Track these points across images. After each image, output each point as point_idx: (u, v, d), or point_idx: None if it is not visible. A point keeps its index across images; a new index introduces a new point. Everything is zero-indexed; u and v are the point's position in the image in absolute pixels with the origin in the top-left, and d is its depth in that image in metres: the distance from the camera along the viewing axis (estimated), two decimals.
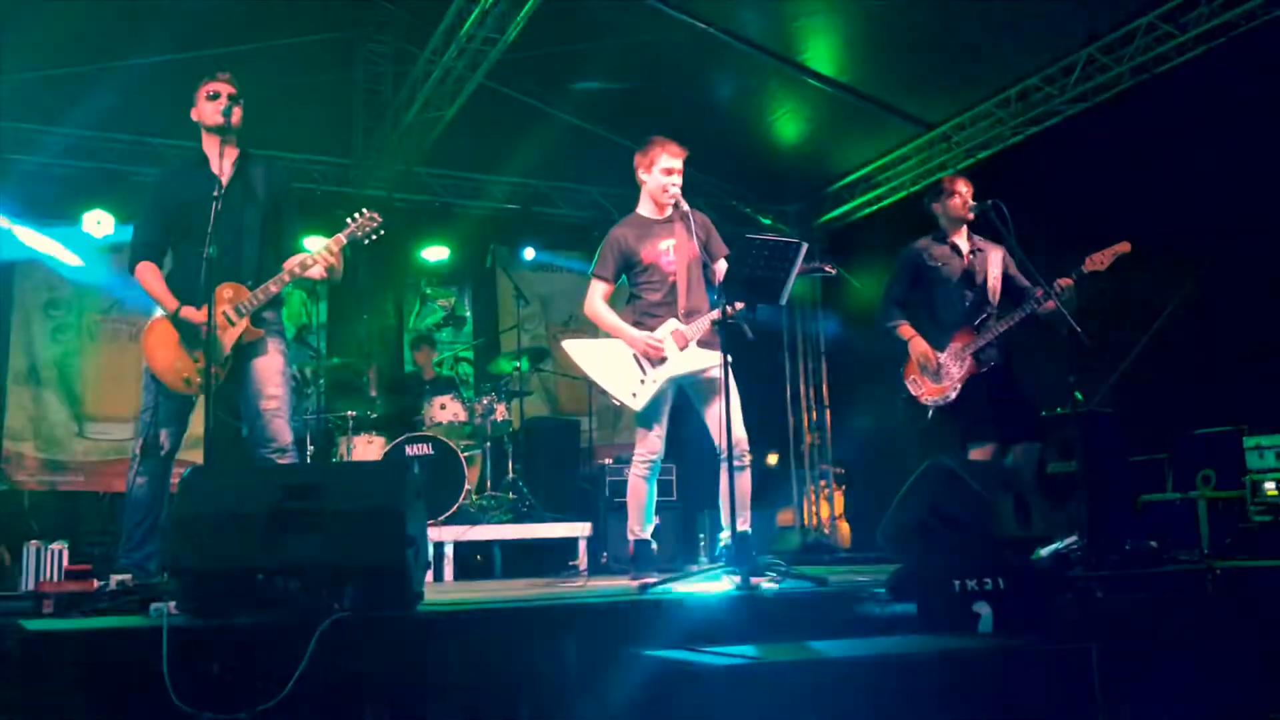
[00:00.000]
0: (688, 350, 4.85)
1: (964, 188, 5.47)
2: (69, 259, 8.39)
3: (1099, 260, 5.08)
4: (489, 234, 9.65)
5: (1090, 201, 6.99)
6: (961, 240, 5.49)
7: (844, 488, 11.08)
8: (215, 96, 4.42)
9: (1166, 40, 6.96)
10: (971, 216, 5.42)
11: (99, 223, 8.41)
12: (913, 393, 5.38)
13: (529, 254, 9.88)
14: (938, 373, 5.31)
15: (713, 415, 4.86)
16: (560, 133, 9.00)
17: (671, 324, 4.87)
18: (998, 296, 5.41)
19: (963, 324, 5.33)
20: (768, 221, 10.43)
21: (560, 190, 10.01)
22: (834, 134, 9.14)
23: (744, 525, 4.61)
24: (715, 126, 8.66)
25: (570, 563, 7.28)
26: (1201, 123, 6.65)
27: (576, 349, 4.95)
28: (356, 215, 4.52)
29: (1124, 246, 5.08)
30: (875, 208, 9.82)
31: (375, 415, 7.84)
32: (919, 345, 5.36)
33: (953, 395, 5.27)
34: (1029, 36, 7.38)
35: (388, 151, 8.75)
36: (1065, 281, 5.07)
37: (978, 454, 5.30)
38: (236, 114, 4.40)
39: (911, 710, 2.80)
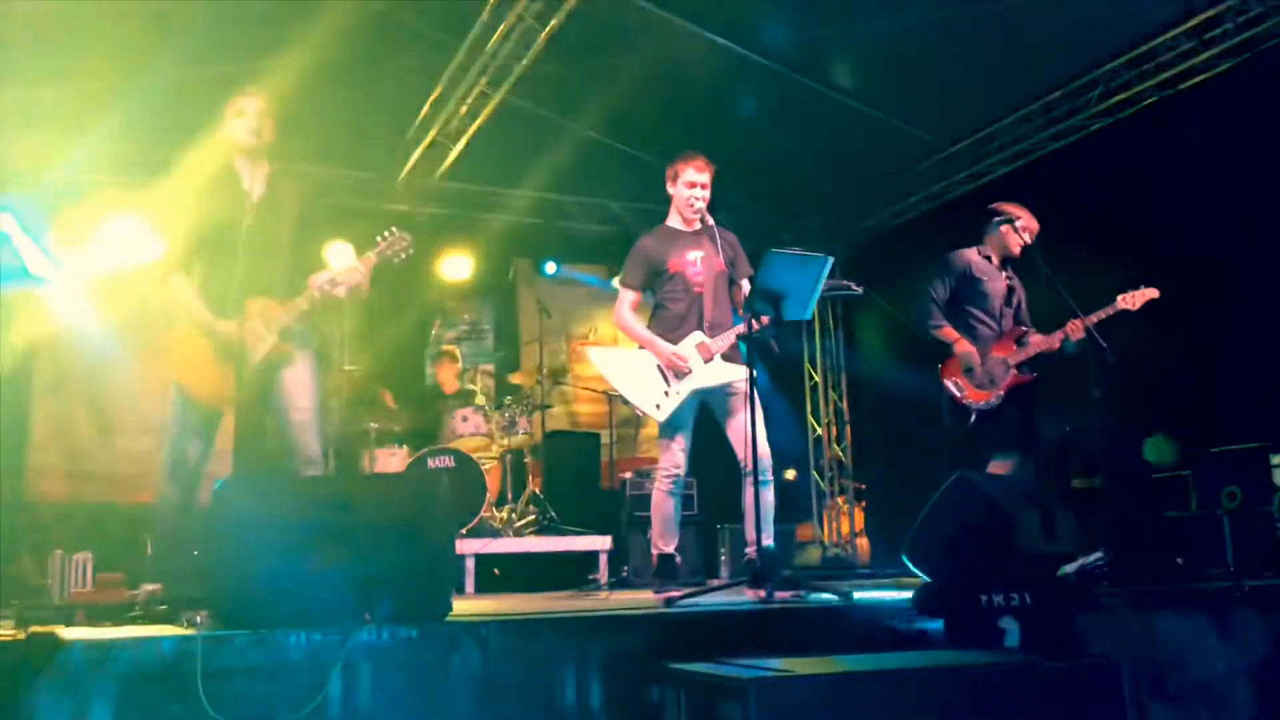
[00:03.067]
0: (712, 363, 4.86)
1: (1036, 229, 5.55)
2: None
3: (1130, 300, 5.26)
4: (510, 248, 9.70)
5: (1115, 217, 6.98)
6: (998, 263, 5.60)
7: (864, 504, 11.07)
8: (242, 114, 4.45)
9: (1191, 56, 6.96)
10: (1018, 254, 5.55)
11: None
12: (954, 395, 5.40)
13: (550, 268, 9.92)
14: (981, 380, 5.35)
15: (736, 430, 4.87)
16: (581, 147, 9.04)
17: (696, 336, 4.89)
18: (1028, 322, 5.54)
19: (1001, 339, 5.40)
20: (789, 237, 10.45)
21: (581, 204, 10.05)
22: (856, 149, 9.15)
23: (768, 540, 4.61)
24: (737, 142, 8.68)
25: (590, 576, 7.28)
26: (1228, 138, 6.63)
27: (601, 357, 5.00)
28: (386, 234, 4.52)
29: (1153, 293, 5.25)
30: (897, 222, 9.83)
31: (398, 428, 7.88)
32: (965, 347, 5.40)
33: (996, 402, 5.32)
34: (1052, 52, 7.40)
35: (410, 166, 8.80)
36: (1095, 318, 5.20)
37: (997, 467, 5.32)
38: (267, 130, 4.43)
39: None
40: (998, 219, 5.64)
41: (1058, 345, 5.30)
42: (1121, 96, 7.43)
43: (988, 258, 5.61)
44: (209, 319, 4.32)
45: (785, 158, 9.31)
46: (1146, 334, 6.02)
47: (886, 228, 9.98)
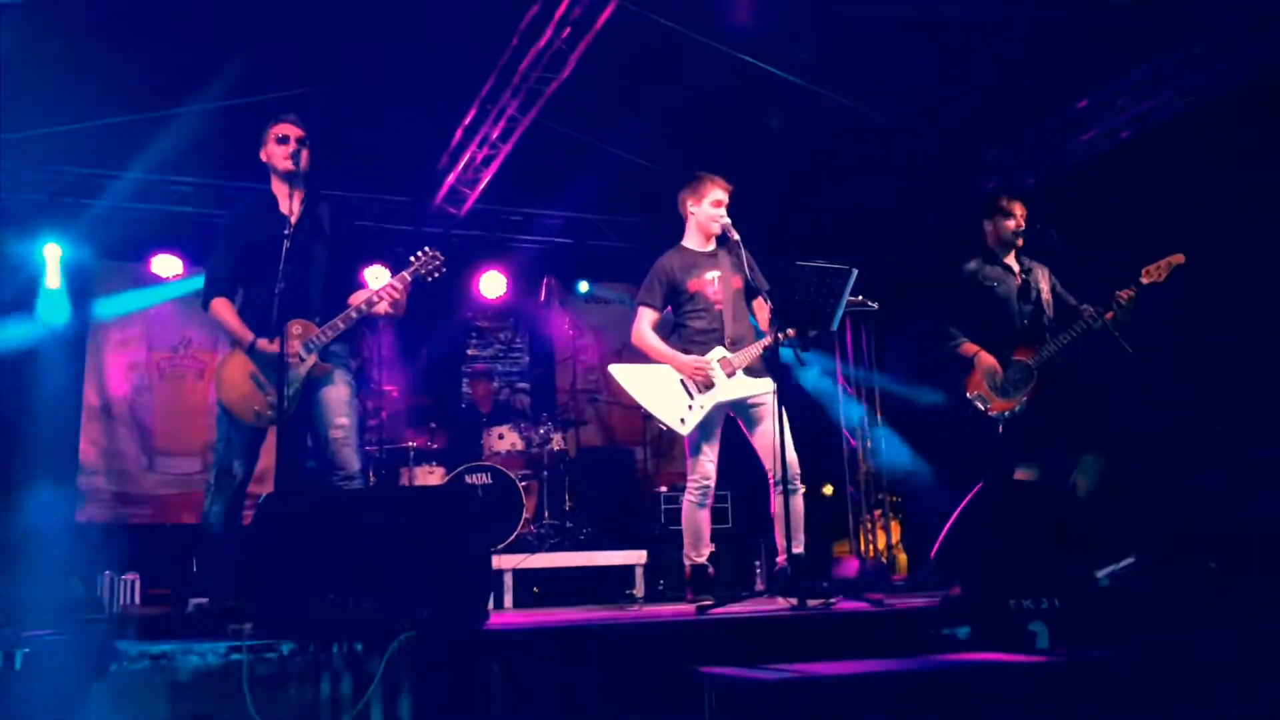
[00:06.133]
0: (735, 377, 4.94)
1: (1020, 210, 5.55)
2: None
3: (1155, 272, 5.13)
4: (543, 267, 9.82)
5: (1140, 227, 6.95)
6: (1011, 260, 5.58)
7: (900, 516, 11.04)
8: (284, 140, 4.60)
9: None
10: (1021, 242, 5.52)
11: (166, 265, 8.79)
12: (980, 408, 5.42)
13: (583, 287, 10.05)
14: (1004, 387, 5.35)
15: (762, 441, 4.94)
16: (611, 167, 9.16)
17: (719, 351, 4.97)
18: (1052, 311, 5.49)
19: (1022, 340, 5.39)
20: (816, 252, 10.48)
21: (611, 223, 10.18)
22: (880, 165, 9.19)
23: (799, 548, 4.67)
24: (763, 159, 8.76)
25: (627, 590, 7.35)
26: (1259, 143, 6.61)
27: (624, 374, 5.06)
28: (420, 253, 4.66)
29: (1178, 258, 5.13)
30: (923, 236, 9.83)
31: (435, 447, 8.00)
32: (986, 360, 5.40)
33: (1021, 409, 5.32)
34: (1073, 63, 7.42)
35: (444, 188, 8.96)
36: (1126, 294, 5.13)
37: (1022, 474, 5.32)
38: (304, 157, 4.57)
39: None
40: (984, 216, 5.71)
41: (1081, 333, 5.25)
42: (1145, 105, 7.43)
43: (995, 261, 5.59)
44: (251, 341, 4.46)
45: (810, 174, 9.37)
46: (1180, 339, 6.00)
47: (914, 243, 9.97)
